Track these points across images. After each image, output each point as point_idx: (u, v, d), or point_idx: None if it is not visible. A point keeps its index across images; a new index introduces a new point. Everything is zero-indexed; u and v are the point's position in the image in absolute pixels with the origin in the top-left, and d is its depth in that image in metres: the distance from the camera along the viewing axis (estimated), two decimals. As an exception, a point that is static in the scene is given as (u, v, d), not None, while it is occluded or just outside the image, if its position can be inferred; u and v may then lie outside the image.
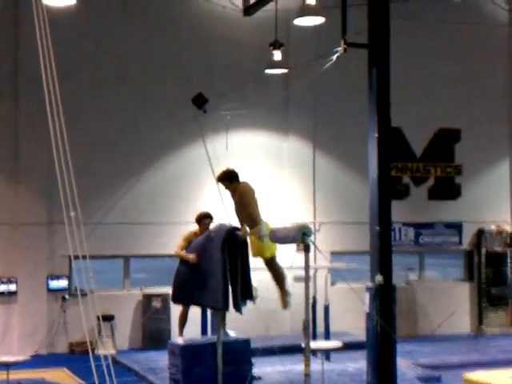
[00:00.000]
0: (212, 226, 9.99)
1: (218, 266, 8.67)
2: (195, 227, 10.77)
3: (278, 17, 14.42)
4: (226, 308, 8.63)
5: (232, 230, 8.88)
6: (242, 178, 11.26)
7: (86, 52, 15.58)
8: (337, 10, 11.30)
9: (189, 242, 9.95)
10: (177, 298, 9.55)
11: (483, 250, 18.15)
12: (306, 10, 11.77)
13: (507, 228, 18.43)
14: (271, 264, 9.03)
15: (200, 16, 16.35)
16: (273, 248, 8.93)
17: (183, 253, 9.68)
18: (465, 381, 12.56)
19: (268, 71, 14.90)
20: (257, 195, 9.36)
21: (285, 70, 15.01)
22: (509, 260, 18.30)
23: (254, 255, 9.01)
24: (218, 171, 9.76)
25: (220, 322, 9.07)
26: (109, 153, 15.78)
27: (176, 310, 12.56)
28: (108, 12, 15.78)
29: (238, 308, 8.64)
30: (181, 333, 9.65)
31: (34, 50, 8.26)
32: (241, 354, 8.82)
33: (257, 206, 9.16)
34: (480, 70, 18.26)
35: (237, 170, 9.72)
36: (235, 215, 9.33)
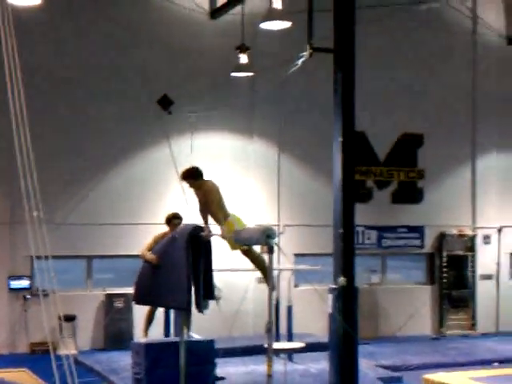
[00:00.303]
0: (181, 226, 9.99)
1: (181, 267, 8.67)
2: (160, 229, 10.76)
3: (245, 20, 14.53)
4: (188, 308, 8.63)
5: (195, 231, 8.88)
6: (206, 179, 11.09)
7: (49, 53, 15.46)
8: (303, 15, 11.42)
9: (156, 243, 9.95)
10: (139, 299, 9.52)
11: (444, 254, 18.40)
12: (272, 14, 11.87)
13: (468, 232, 18.71)
14: (248, 253, 9.05)
15: (166, 18, 16.31)
16: None
17: (147, 253, 9.66)
18: (425, 381, 12.76)
19: (234, 74, 14.97)
20: (222, 193, 9.33)
21: (251, 74, 15.10)
22: (469, 263, 18.60)
23: (233, 249, 9.02)
24: (183, 169, 9.71)
25: (183, 322, 9.08)
26: (72, 153, 15.66)
27: (139, 310, 12.56)
28: (72, 14, 15.63)
29: (200, 308, 8.66)
30: (145, 333, 9.62)
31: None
32: (205, 354, 8.85)
33: (222, 204, 9.15)
34: (443, 77, 18.50)
35: (201, 168, 9.68)
36: (199, 214, 9.32)
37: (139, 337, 9.61)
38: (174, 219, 10.21)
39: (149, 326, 9.62)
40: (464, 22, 18.69)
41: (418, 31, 17.86)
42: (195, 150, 15.78)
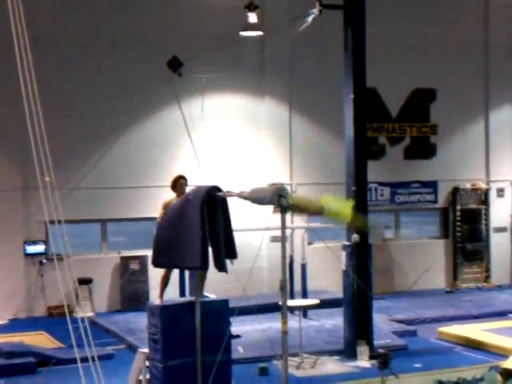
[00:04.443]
0: (188, 188, 9.95)
1: (194, 226, 8.66)
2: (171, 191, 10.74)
3: (253, -22, 14.31)
4: (203, 267, 8.65)
5: (211, 191, 8.85)
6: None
7: (58, 18, 15.47)
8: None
9: (166, 209, 9.93)
10: (157, 262, 9.57)
11: (458, 208, 18.38)
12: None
13: (482, 185, 18.65)
14: None
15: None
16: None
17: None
18: (439, 334, 12.88)
19: (243, 33, 14.82)
20: None
21: (260, 33, 14.94)
22: (483, 217, 18.58)
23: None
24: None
25: (198, 282, 9.13)
26: (83, 118, 15.67)
27: (154, 271, 12.65)
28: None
29: (222, 268, 8.65)
30: (161, 295, 9.68)
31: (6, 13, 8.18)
32: (219, 313, 8.90)
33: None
34: (456, 31, 18.27)
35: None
36: None
37: (154, 300, 9.64)
38: (179, 179, 10.13)
39: (164, 288, 9.66)
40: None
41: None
42: (206, 111, 15.73)
